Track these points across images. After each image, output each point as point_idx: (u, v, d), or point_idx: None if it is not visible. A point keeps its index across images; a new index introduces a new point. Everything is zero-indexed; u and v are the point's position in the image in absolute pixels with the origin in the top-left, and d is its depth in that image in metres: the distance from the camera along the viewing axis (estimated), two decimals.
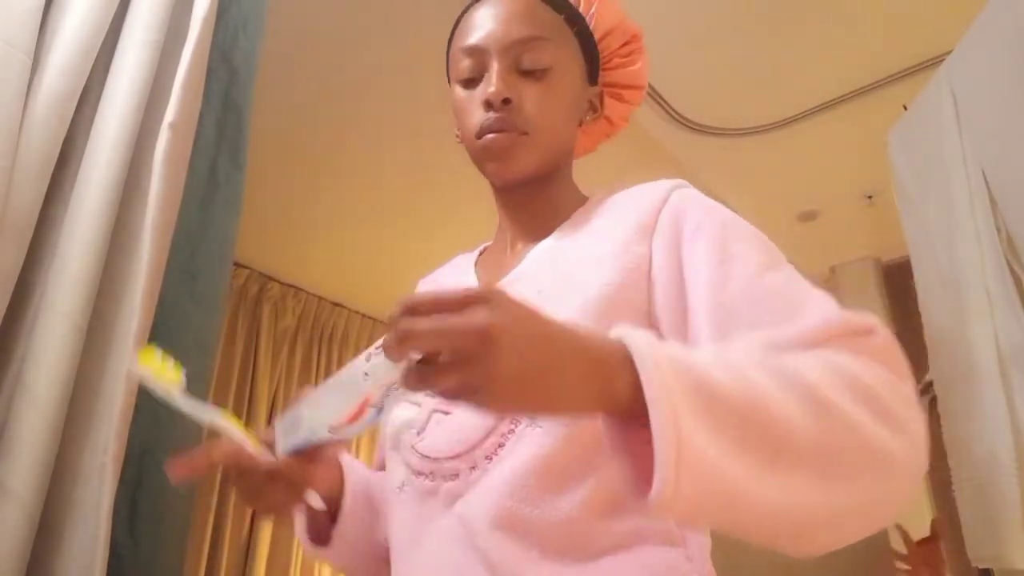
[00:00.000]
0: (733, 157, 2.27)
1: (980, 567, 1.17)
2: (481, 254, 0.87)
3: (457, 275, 0.85)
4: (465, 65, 0.75)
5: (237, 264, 3.30)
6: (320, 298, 3.76)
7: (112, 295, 0.86)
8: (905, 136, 1.46)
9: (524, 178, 0.75)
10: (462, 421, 0.65)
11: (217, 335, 1.02)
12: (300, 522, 0.73)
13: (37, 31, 0.84)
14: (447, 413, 0.66)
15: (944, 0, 1.71)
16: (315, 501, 0.71)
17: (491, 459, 0.63)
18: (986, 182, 1.18)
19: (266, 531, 3.19)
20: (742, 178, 2.41)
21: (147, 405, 0.87)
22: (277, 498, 0.61)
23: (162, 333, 0.91)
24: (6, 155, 0.78)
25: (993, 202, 1.18)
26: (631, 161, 2.86)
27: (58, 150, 0.85)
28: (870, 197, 2.47)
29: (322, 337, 3.74)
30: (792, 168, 2.35)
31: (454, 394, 0.43)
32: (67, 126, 0.86)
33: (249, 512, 3.16)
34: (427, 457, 0.65)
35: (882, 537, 2.45)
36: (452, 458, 0.64)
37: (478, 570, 0.59)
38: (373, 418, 0.52)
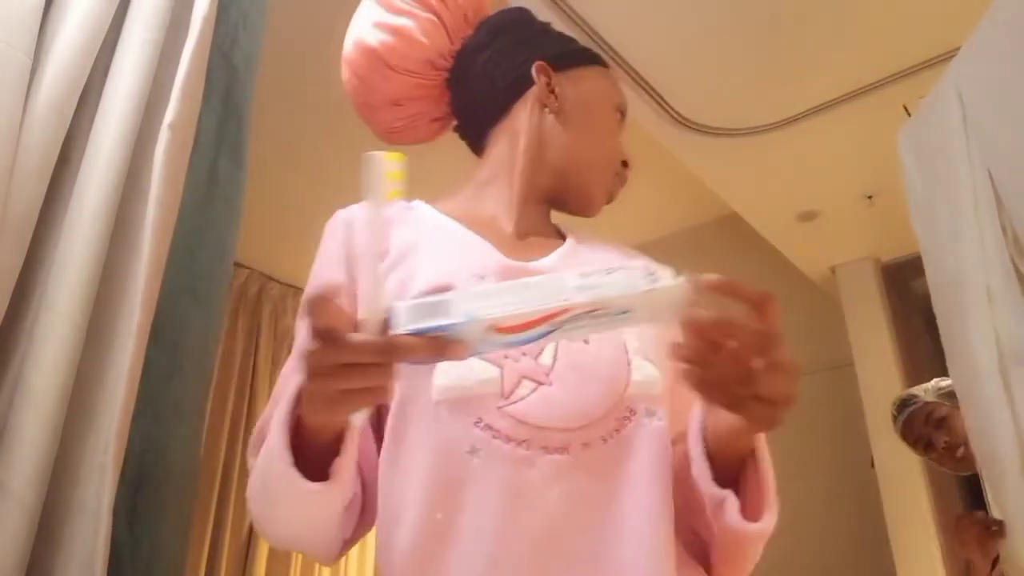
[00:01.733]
0: (733, 157, 2.27)
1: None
2: (455, 218, 0.82)
3: (456, 237, 0.78)
4: (623, 105, 0.89)
5: (237, 264, 3.30)
6: None
7: (112, 295, 0.86)
8: (914, 136, 1.46)
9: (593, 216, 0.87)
10: (577, 394, 0.65)
11: (217, 335, 1.02)
12: (284, 446, 0.57)
13: (37, 31, 0.84)
14: (541, 384, 0.65)
15: (944, 0, 1.71)
16: (359, 416, 0.61)
17: (607, 441, 0.64)
18: (992, 182, 1.19)
19: None
20: (742, 178, 2.40)
21: (147, 404, 0.87)
22: (372, 384, 0.50)
23: (162, 333, 0.91)
24: (6, 155, 0.78)
25: (999, 202, 1.18)
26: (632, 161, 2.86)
27: (58, 150, 0.85)
28: (870, 197, 2.47)
29: None
30: (792, 168, 2.35)
31: (782, 396, 0.52)
32: (67, 126, 0.86)
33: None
34: (524, 423, 0.63)
35: (881, 533, 2.45)
36: (564, 430, 0.63)
37: (612, 552, 0.61)
38: (542, 335, 0.49)
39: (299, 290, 3.64)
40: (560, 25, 1.77)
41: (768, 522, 0.62)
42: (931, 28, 1.79)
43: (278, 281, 3.56)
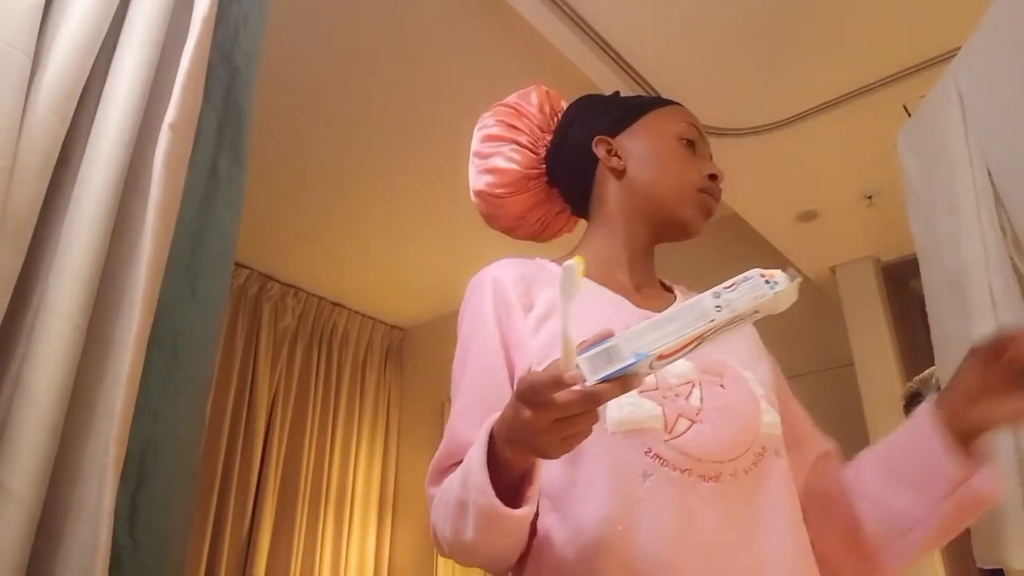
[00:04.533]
0: (733, 157, 2.27)
1: (985, 568, 1.17)
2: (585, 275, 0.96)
3: (600, 297, 0.91)
4: (688, 131, 0.98)
5: (237, 264, 3.30)
6: (320, 298, 3.76)
7: (112, 295, 0.86)
8: (914, 136, 1.46)
9: (696, 236, 0.97)
10: (724, 432, 0.79)
11: (218, 335, 1.02)
12: (483, 479, 0.68)
13: (37, 31, 0.84)
14: (694, 422, 0.78)
15: (944, 0, 1.71)
16: None
17: (748, 473, 0.78)
18: (992, 182, 1.19)
19: (266, 531, 3.19)
20: (742, 178, 2.40)
21: (147, 405, 0.87)
22: (582, 428, 0.62)
23: (162, 333, 0.91)
24: (6, 155, 0.77)
25: (999, 202, 1.18)
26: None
27: (58, 150, 0.85)
28: (870, 197, 2.47)
29: (322, 337, 3.74)
30: (792, 168, 2.35)
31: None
32: (67, 126, 0.86)
33: (249, 512, 3.17)
34: (686, 455, 0.75)
35: None
36: (716, 462, 0.76)
37: (765, 547, 0.75)
38: (690, 351, 0.62)
39: (299, 290, 3.64)
40: (560, 25, 1.77)
41: (998, 485, 0.77)
42: (931, 28, 1.79)
43: (278, 281, 3.56)
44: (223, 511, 3.05)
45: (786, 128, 2.15)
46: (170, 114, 0.92)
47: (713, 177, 0.96)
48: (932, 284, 1.35)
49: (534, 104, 1.07)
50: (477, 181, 1.06)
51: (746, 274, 0.67)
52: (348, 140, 2.63)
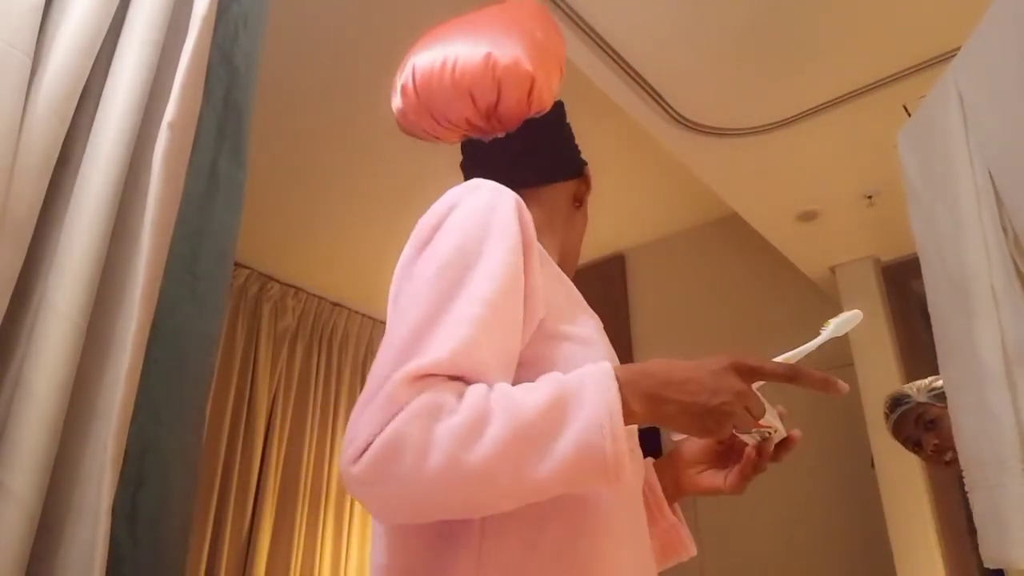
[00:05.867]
0: (733, 157, 2.27)
1: (991, 568, 1.17)
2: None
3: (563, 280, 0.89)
4: None
5: (237, 264, 3.30)
6: (320, 298, 3.76)
7: (112, 295, 0.86)
8: (914, 136, 1.46)
9: None
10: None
11: (218, 335, 1.02)
12: (620, 425, 0.62)
13: (37, 31, 0.84)
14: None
15: (944, 0, 1.71)
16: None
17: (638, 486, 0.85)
18: (992, 182, 1.18)
19: (266, 531, 3.19)
20: (742, 178, 2.40)
21: (147, 404, 0.87)
22: (748, 427, 0.72)
23: (162, 333, 0.91)
24: (6, 155, 0.77)
25: (1000, 202, 1.18)
26: (632, 162, 2.86)
27: (58, 150, 0.85)
28: (870, 197, 2.47)
29: (322, 337, 3.74)
30: (792, 168, 2.35)
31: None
32: (67, 126, 0.86)
33: (249, 512, 3.16)
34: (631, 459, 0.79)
35: (881, 533, 2.45)
36: (636, 473, 0.82)
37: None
38: (749, 435, 0.81)
39: (299, 290, 3.64)
40: (561, 26, 1.77)
41: (694, 546, 0.94)
42: (931, 28, 1.79)
43: (278, 281, 3.56)
44: (223, 511, 3.05)
45: (786, 128, 2.15)
46: (169, 114, 0.92)
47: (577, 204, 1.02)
48: (933, 284, 1.35)
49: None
50: (429, 61, 0.96)
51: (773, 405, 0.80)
52: (349, 140, 2.63)
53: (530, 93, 0.92)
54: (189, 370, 0.96)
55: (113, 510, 0.78)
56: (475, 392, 0.62)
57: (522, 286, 0.71)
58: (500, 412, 0.61)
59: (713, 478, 0.89)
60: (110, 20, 0.91)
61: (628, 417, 0.63)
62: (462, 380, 0.64)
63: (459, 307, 0.66)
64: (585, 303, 0.89)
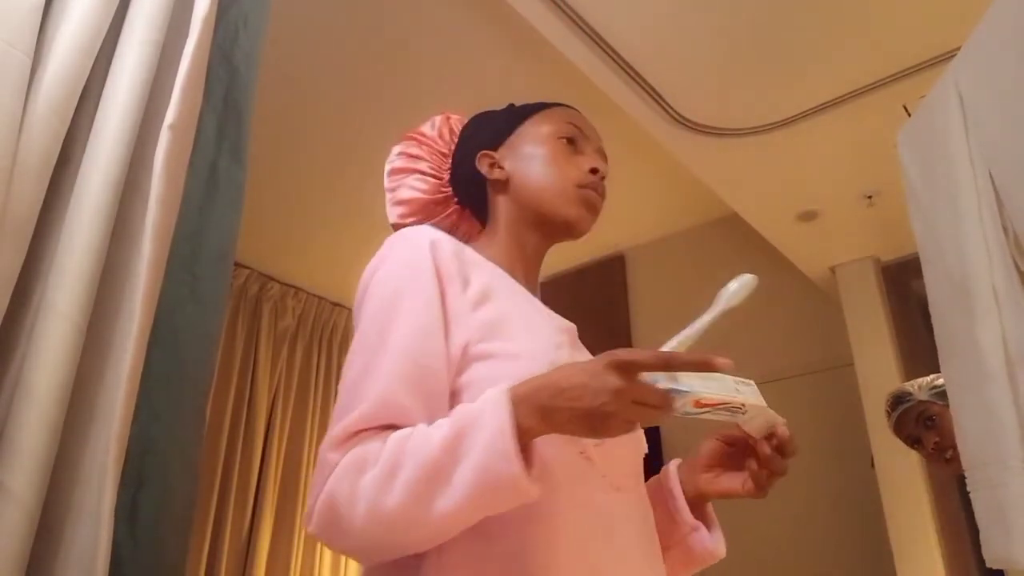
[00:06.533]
0: (733, 157, 2.27)
1: (992, 568, 1.17)
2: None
3: (514, 286, 0.90)
4: (567, 129, 0.97)
5: (237, 264, 3.30)
6: (320, 298, 3.76)
7: (112, 295, 0.86)
8: (914, 136, 1.46)
9: (585, 234, 0.95)
10: (628, 446, 0.84)
11: (218, 335, 1.02)
12: (511, 445, 0.64)
13: (37, 31, 0.84)
14: None
15: (944, 0, 1.71)
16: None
17: (634, 490, 0.84)
18: (992, 182, 1.18)
19: (266, 531, 3.19)
20: (742, 178, 2.41)
21: (147, 404, 0.87)
22: (647, 419, 0.67)
23: (162, 333, 0.91)
24: (6, 155, 0.77)
25: (1000, 202, 1.18)
26: (631, 162, 2.86)
27: (58, 150, 0.85)
28: (870, 197, 2.47)
29: (322, 337, 3.74)
30: (792, 168, 2.35)
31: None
32: (67, 126, 0.86)
33: (249, 512, 3.17)
34: (607, 461, 0.79)
35: (881, 533, 2.45)
36: (624, 476, 0.82)
37: (655, 555, 0.84)
38: (701, 414, 0.71)
39: (299, 290, 3.64)
40: (561, 25, 1.77)
41: (722, 548, 0.91)
42: (931, 28, 1.79)
43: (278, 281, 3.56)
44: (223, 511, 3.05)
45: (786, 128, 2.15)
46: (170, 115, 0.92)
47: (594, 171, 0.94)
48: (934, 285, 1.35)
49: (434, 130, 1.06)
50: (391, 215, 1.05)
51: (748, 380, 0.76)
52: (348, 140, 2.63)
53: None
54: (189, 370, 0.96)
55: (113, 510, 0.78)
56: (394, 439, 0.69)
57: (441, 325, 0.78)
58: (411, 454, 0.67)
59: (730, 482, 0.88)
60: (110, 20, 0.91)
61: (525, 434, 0.65)
62: (393, 427, 0.71)
63: (380, 362, 0.75)
64: (537, 310, 0.88)
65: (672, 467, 0.94)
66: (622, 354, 0.64)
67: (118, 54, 0.92)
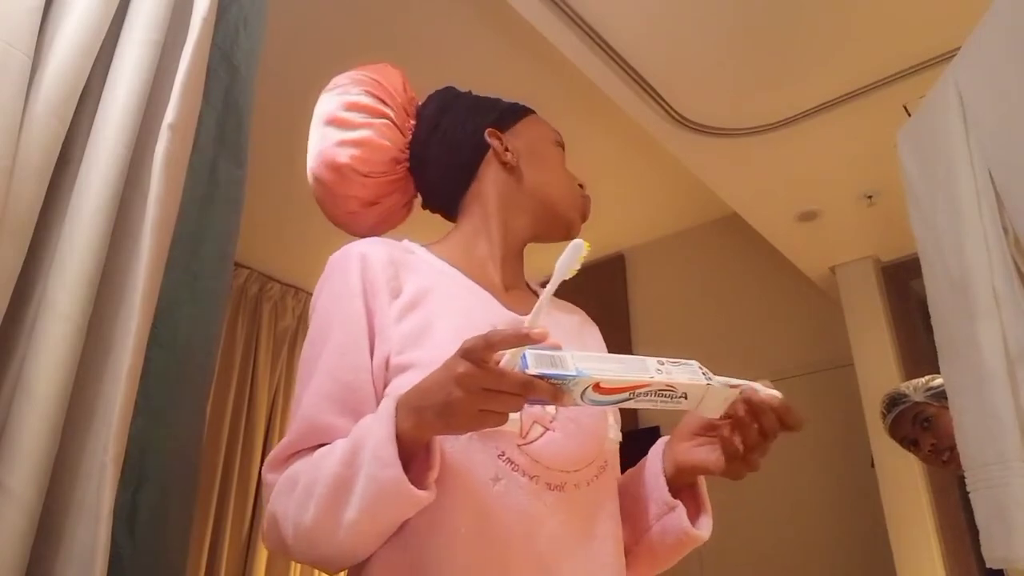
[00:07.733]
0: (733, 157, 2.27)
1: (993, 568, 1.17)
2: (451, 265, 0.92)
3: (469, 290, 0.88)
4: (560, 139, 1.01)
5: (237, 264, 3.30)
6: None
7: (112, 295, 0.86)
8: (913, 136, 1.46)
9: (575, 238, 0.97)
10: (574, 443, 0.79)
11: (217, 335, 1.02)
12: (391, 452, 0.66)
13: (37, 31, 0.84)
14: (547, 429, 0.78)
15: (944, 0, 1.71)
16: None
17: (589, 484, 0.79)
18: (992, 182, 1.18)
19: None
20: (742, 178, 2.41)
21: (147, 404, 0.87)
22: (503, 409, 0.63)
23: (162, 333, 0.91)
24: (6, 155, 0.77)
25: (1000, 202, 1.18)
26: (631, 162, 2.86)
27: (58, 150, 0.85)
28: (870, 197, 2.47)
29: None
30: (792, 168, 2.35)
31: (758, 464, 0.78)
32: (67, 126, 0.86)
33: (249, 512, 3.16)
34: (537, 462, 0.76)
35: (881, 533, 2.45)
36: (563, 472, 0.77)
37: (596, 560, 0.78)
38: (620, 401, 0.64)
39: (299, 290, 3.64)
40: (561, 25, 1.77)
41: (706, 531, 0.85)
42: (931, 28, 1.79)
43: (278, 281, 3.56)
44: (223, 511, 3.05)
45: (786, 128, 2.15)
46: (170, 115, 0.92)
47: (582, 186, 1.00)
48: (934, 285, 1.35)
49: (397, 83, 1.00)
50: (337, 152, 0.93)
51: (688, 360, 0.70)
52: None
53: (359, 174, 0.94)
54: (189, 370, 0.96)
55: (113, 510, 0.78)
56: (314, 457, 0.73)
57: (365, 341, 0.79)
58: (323, 470, 0.70)
59: (705, 454, 0.82)
60: (110, 20, 0.91)
61: (411, 440, 0.66)
62: (323, 445, 0.74)
63: (312, 384, 0.78)
64: (486, 308, 0.85)
65: (658, 444, 0.89)
66: (467, 342, 0.61)
67: (118, 54, 0.92)
